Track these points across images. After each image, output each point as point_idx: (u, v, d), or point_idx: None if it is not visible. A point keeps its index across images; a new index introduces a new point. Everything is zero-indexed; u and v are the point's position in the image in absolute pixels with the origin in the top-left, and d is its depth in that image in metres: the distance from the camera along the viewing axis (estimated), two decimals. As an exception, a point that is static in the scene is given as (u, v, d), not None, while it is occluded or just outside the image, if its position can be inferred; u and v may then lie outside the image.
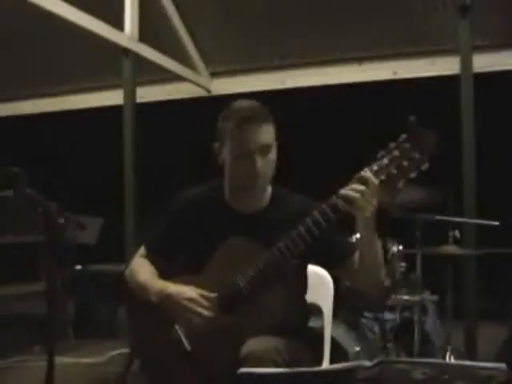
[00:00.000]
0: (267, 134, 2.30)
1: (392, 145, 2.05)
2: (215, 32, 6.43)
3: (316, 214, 2.12)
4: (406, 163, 2.02)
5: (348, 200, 2.07)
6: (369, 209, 2.07)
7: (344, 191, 2.08)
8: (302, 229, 2.14)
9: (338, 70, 6.40)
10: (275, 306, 2.22)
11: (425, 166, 2.02)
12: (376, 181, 2.04)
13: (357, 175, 2.08)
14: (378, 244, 2.25)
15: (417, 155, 2.01)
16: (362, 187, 2.05)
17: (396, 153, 2.03)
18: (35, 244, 5.38)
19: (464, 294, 4.70)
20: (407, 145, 2.02)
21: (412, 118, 2.00)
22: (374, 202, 2.07)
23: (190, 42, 6.48)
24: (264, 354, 2.06)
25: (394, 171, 2.04)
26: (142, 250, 2.56)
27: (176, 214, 2.48)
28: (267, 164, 2.30)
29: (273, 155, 2.33)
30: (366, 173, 2.06)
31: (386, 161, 2.04)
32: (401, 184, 2.06)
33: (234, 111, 2.35)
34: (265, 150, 2.29)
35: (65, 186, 7.14)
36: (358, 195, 2.04)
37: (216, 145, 2.39)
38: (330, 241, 2.27)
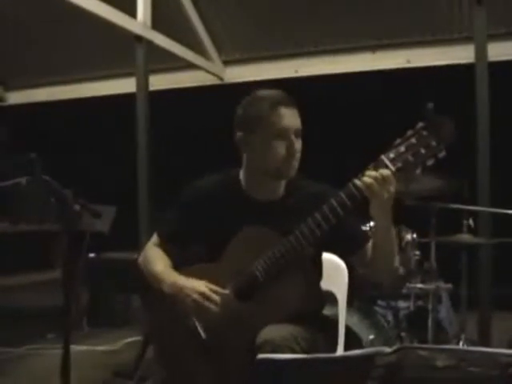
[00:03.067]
0: (299, 118, 2.32)
1: (409, 132, 2.04)
2: (228, 20, 6.41)
3: (333, 201, 2.12)
4: (423, 151, 2.01)
5: (364, 187, 2.06)
6: (385, 196, 2.06)
7: (360, 179, 2.08)
8: (318, 216, 2.13)
9: (352, 58, 6.38)
10: (291, 294, 2.22)
11: (442, 154, 2.01)
12: (393, 168, 2.04)
13: (373, 162, 2.07)
14: (393, 232, 2.24)
15: (434, 143, 2.00)
16: (378, 174, 2.04)
17: (413, 140, 2.02)
18: (50, 232, 5.38)
19: (478, 282, 4.68)
20: (424, 132, 2.01)
21: (430, 105, 1.98)
22: (392, 189, 2.05)
23: (203, 30, 6.46)
24: (281, 341, 2.06)
25: (411, 158, 2.02)
26: (154, 238, 2.55)
27: (190, 203, 2.47)
28: (300, 148, 2.31)
29: (301, 142, 2.33)
30: (383, 160, 2.05)
31: (402, 148, 2.03)
32: (418, 171, 2.05)
33: (264, 96, 2.32)
34: (298, 133, 2.30)
35: (77, 173, 7.14)
36: (373, 182, 2.04)
37: (239, 134, 2.35)
38: (347, 229, 2.27)
